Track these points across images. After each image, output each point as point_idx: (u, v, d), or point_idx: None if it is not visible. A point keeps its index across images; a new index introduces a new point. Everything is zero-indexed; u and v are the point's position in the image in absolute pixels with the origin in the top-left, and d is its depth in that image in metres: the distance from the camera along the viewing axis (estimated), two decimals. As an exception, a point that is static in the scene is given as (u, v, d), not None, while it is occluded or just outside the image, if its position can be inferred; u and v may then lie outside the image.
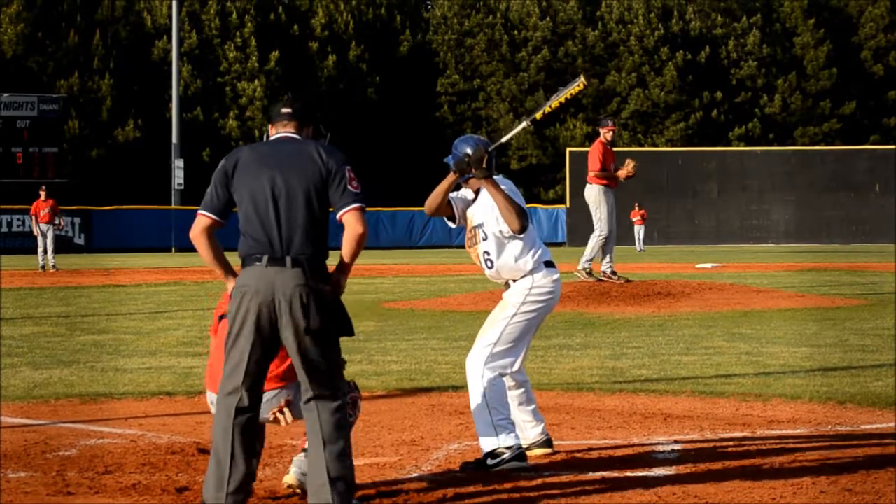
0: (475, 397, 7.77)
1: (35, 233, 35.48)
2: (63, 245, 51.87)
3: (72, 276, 31.83)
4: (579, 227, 60.41)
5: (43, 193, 35.56)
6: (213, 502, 6.22)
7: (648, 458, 7.96)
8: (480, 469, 7.56)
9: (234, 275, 6.37)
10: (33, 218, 35.64)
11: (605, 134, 19.93)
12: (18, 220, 51.59)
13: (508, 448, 7.60)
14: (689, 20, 72.42)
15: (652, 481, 7.29)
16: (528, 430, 7.97)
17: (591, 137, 68.75)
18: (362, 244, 6.24)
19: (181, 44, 60.55)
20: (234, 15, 66.37)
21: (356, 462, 7.90)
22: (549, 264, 8.04)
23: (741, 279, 25.55)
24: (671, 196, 59.34)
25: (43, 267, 34.48)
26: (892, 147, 62.52)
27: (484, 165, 7.78)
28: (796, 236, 59.49)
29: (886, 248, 49.11)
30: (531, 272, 7.94)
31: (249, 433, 6.27)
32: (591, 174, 19.77)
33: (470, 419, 7.91)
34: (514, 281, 7.96)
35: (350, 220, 6.20)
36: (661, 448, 8.30)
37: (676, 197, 59.63)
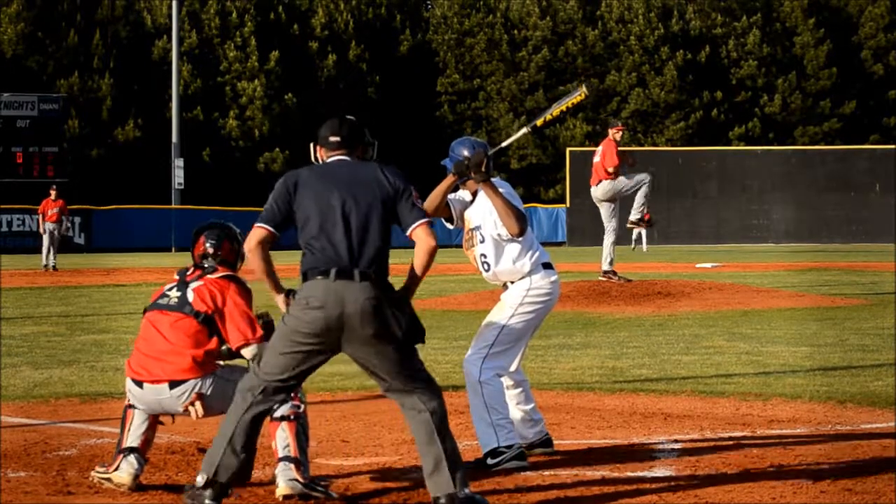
0: (473, 398, 7.78)
1: (41, 231, 35.32)
2: (63, 245, 51.88)
3: (72, 275, 31.83)
4: (579, 227, 60.44)
5: (53, 193, 35.29)
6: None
7: (648, 458, 7.96)
8: (480, 468, 7.56)
9: (283, 289, 6.45)
10: (40, 216, 35.48)
11: (615, 134, 20.03)
12: (18, 219, 51.56)
13: (508, 447, 7.61)
14: (689, 20, 72.40)
15: (652, 481, 7.29)
16: (526, 430, 7.97)
17: (591, 137, 68.76)
18: (434, 256, 6.45)
19: (181, 43, 60.53)
20: (234, 15, 66.36)
21: (356, 462, 7.91)
22: (546, 266, 8.05)
23: (741, 279, 25.55)
24: (671, 196, 59.30)
25: (45, 266, 34.34)
26: (892, 147, 62.49)
27: (483, 169, 7.80)
28: (796, 236, 59.47)
29: (886, 248, 49.11)
30: (529, 274, 7.95)
31: (256, 427, 6.42)
32: (608, 170, 19.85)
33: (470, 419, 7.91)
34: (512, 283, 7.97)
35: (422, 234, 6.43)
36: (661, 448, 8.30)
37: (676, 197, 59.59)
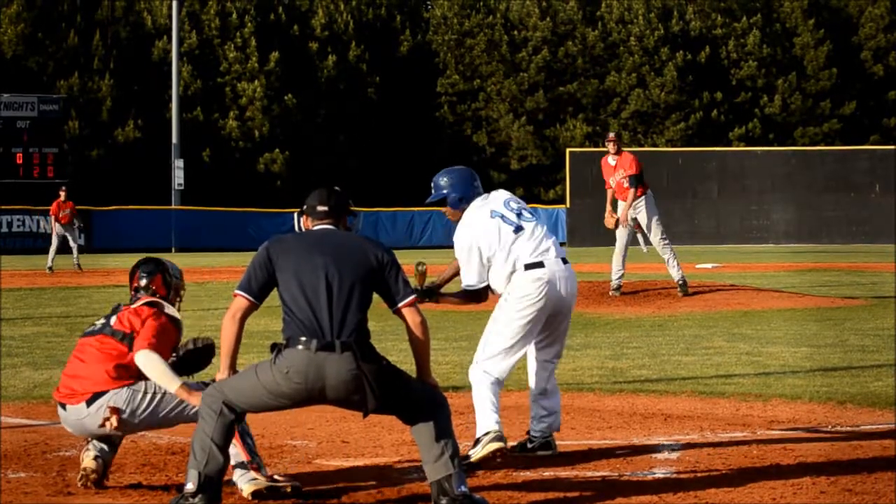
0: (475, 400, 7.88)
1: (53, 233, 35.01)
2: (63, 245, 51.86)
3: (72, 276, 31.82)
4: (579, 227, 60.46)
5: (63, 194, 34.91)
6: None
7: (648, 458, 7.96)
8: (523, 452, 7.84)
9: (235, 371, 6.57)
10: (52, 218, 35.27)
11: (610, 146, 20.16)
12: (18, 220, 51.55)
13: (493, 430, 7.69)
14: (689, 20, 72.39)
15: (652, 481, 7.30)
16: (534, 423, 8.06)
17: (591, 138, 68.80)
18: (426, 329, 6.65)
19: (181, 44, 60.52)
20: (234, 15, 66.35)
21: (356, 462, 7.91)
22: (532, 266, 8.02)
23: (741, 279, 25.54)
24: (671, 196, 59.22)
25: (50, 268, 33.88)
26: (892, 147, 62.45)
27: (421, 286, 8.07)
28: (796, 236, 59.44)
29: (886, 248, 49.10)
30: (508, 277, 7.98)
31: (230, 432, 6.54)
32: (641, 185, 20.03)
33: (470, 419, 7.92)
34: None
35: (411, 312, 6.62)
36: (661, 448, 8.30)
37: (676, 197, 59.53)
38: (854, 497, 6.90)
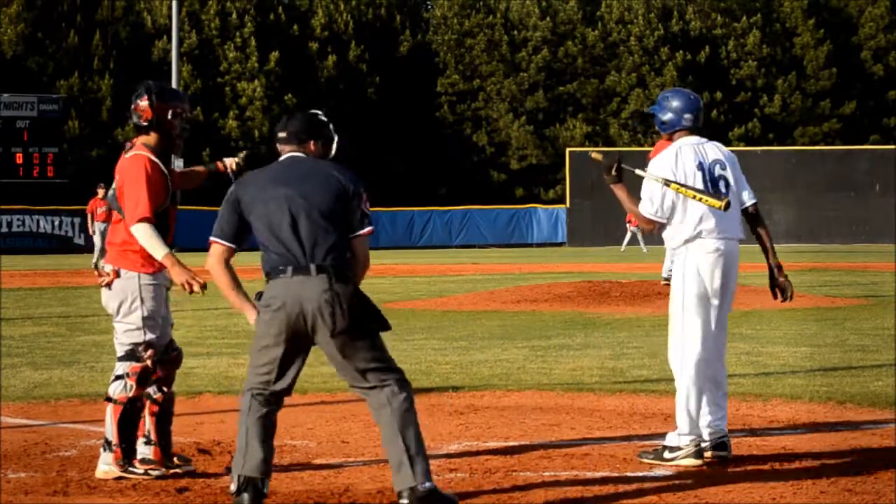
0: (679, 390, 7.78)
1: (90, 232, 34.93)
2: (63, 245, 51.91)
3: (72, 276, 31.82)
4: (579, 227, 60.45)
5: (101, 192, 34.46)
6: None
7: (648, 458, 7.95)
8: (657, 460, 7.69)
9: (253, 305, 6.52)
10: (89, 216, 35.15)
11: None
12: (18, 220, 51.58)
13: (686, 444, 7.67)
14: (689, 20, 72.40)
15: (652, 481, 7.30)
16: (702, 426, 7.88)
17: (591, 137, 68.83)
18: (367, 269, 6.54)
19: (181, 44, 60.45)
20: (234, 15, 66.36)
21: (356, 462, 7.90)
22: (700, 235, 7.89)
23: (741, 279, 25.51)
24: (671, 196, 59.27)
25: (96, 265, 33.75)
26: (892, 147, 62.49)
27: (613, 173, 7.95)
28: (796, 236, 59.47)
29: (886, 248, 49.11)
30: (677, 248, 7.93)
31: (268, 424, 6.51)
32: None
33: (470, 419, 7.92)
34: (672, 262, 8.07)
35: (361, 244, 6.49)
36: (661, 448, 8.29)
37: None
38: (854, 497, 6.90)
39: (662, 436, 7.89)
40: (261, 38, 65.57)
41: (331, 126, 6.74)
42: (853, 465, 7.65)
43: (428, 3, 75.39)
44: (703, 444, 7.68)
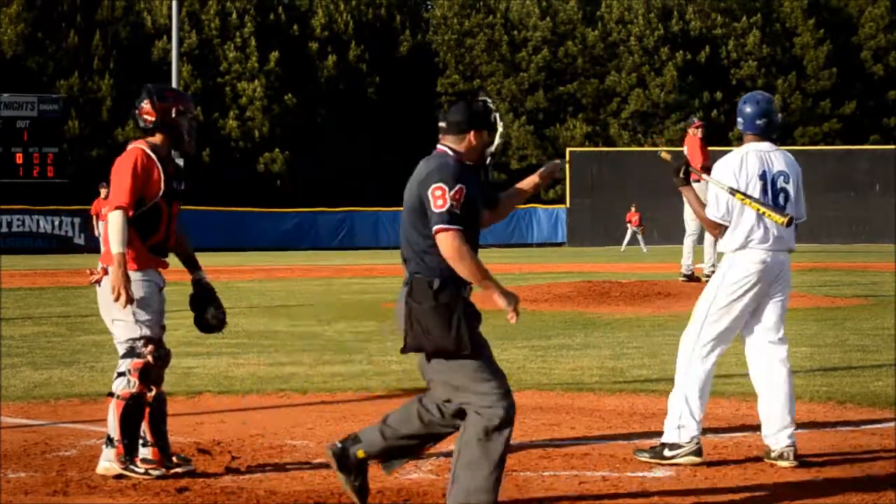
0: (679, 386, 7.82)
1: (95, 233, 34.80)
2: (63, 245, 51.92)
3: (71, 276, 31.82)
4: (579, 227, 60.43)
5: (104, 192, 34.22)
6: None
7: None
8: (656, 458, 7.68)
9: (504, 290, 6.10)
10: (94, 217, 35.04)
11: (696, 131, 19.98)
12: (18, 220, 51.58)
13: (687, 442, 7.66)
14: (689, 20, 72.42)
15: (652, 481, 7.30)
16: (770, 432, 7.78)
17: (591, 137, 68.85)
18: (457, 263, 6.02)
19: (181, 44, 60.40)
20: (234, 15, 66.37)
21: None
22: (745, 245, 7.88)
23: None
24: (671, 196, 59.34)
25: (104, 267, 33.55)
26: (892, 147, 62.49)
27: (681, 175, 8.00)
28: (796, 236, 59.48)
29: (886, 248, 49.10)
30: (729, 253, 7.97)
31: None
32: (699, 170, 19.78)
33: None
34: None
35: (440, 239, 6.03)
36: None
37: (676, 197, 59.59)
38: (854, 497, 6.90)
39: (661, 435, 7.88)
40: (261, 38, 65.58)
41: (497, 115, 6.29)
42: (853, 465, 7.65)
43: (428, 3, 75.40)
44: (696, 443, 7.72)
